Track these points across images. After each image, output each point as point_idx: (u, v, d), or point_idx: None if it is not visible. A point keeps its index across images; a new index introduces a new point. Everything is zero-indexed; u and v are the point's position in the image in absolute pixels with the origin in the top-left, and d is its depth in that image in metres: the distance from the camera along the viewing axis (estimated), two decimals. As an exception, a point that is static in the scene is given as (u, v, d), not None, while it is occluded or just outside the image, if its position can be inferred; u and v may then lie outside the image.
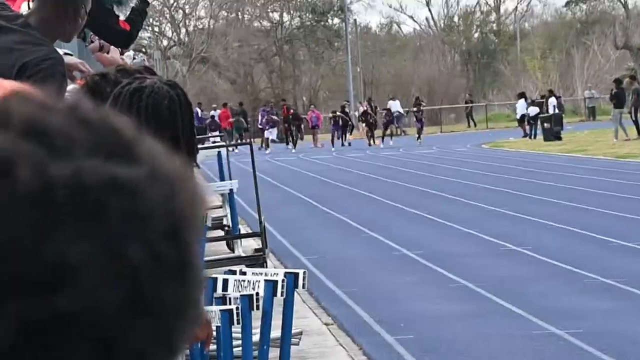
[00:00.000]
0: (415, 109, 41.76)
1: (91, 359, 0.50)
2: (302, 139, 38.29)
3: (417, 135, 38.89)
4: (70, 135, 0.52)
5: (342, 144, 39.61)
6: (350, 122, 40.24)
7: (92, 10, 3.56)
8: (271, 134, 38.53)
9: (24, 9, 3.70)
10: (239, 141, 32.08)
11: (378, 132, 39.48)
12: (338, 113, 39.95)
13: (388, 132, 39.29)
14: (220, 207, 10.61)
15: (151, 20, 56.27)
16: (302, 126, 40.31)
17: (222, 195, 10.28)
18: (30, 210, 0.49)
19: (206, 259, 7.69)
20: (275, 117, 39.66)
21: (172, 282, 0.52)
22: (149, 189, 0.52)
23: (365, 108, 40.20)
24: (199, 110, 38.22)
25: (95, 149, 0.52)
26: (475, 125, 53.37)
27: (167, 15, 62.51)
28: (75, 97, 0.56)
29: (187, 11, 63.27)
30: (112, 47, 5.49)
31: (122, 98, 2.67)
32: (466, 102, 55.70)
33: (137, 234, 0.51)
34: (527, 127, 38.70)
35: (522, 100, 41.01)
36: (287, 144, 40.39)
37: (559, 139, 33.93)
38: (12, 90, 0.53)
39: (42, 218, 0.49)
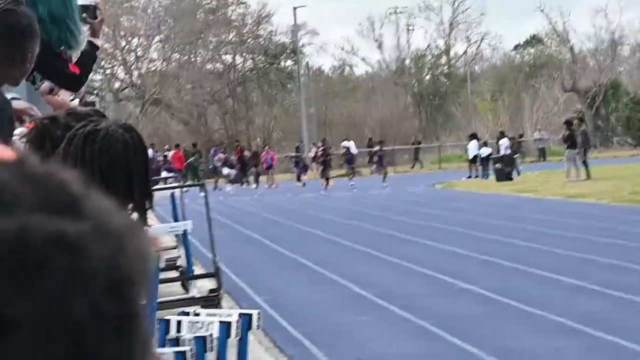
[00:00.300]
0: (377, 148, 41.51)
1: None
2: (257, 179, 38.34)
3: (382, 177, 37.33)
4: (14, 191, 0.52)
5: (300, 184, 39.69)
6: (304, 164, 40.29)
7: (40, 53, 3.52)
8: (229, 174, 38.62)
9: None
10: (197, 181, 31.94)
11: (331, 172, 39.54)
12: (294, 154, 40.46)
13: (348, 171, 39.57)
14: (175, 247, 10.52)
15: (103, 62, 55.87)
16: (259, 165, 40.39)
17: (176, 236, 10.19)
18: None
19: (160, 300, 7.55)
20: (232, 158, 39.82)
21: (114, 337, 0.52)
22: (93, 245, 0.52)
23: (317, 150, 40.29)
24: (151, 151, 37.87)
25: (40, 205, 0.52)
26: (422, 166, 53.67)
27: (119, 58, 62.14)
28: (22, 152, 0.56)
29: (139, 54, 62.95)
30: (62, 89, 5.45)
31: (76, 140, 2.62)
32: (413, 144, 55.95)
33: (80, 291, 0.51)
34: (480, 168, 39.13)
35: (474, 141, 41.51)
36: (242, 184, 40.28)
37: (511, 179, 34.34)
38: None
39: None
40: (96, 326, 0.51)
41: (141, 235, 0.56)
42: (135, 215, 2.67)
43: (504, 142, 38.59)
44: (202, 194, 10.53)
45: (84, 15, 4.56)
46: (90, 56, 5.02)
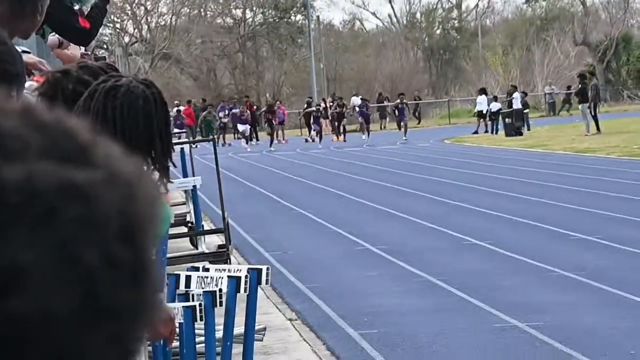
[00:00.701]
0: (398, 101, 40.67)
1: None
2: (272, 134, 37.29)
3: (404, 131, 37.09)
4: (23, 138, 0.51)
5: (306, 140, 39.57)
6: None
7: (51, 7, 3.53)
8: (244, 130, 37.88)
9: None
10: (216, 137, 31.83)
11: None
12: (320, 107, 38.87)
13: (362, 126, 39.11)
14: (184, 203, 10.55)
15: (112, 17, 55.81)
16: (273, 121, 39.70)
17: (186, 191, 10.22)
18: None
19: (169, 255, 7.57)
20: (247, 112, 38.99)
21: (126, 285, 0.52)
22: (104, 193, 0.52)
23: (330, 104, 40.03)
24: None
25: (49, 153, 0.51)
26: (419, 122, 52.80)
27: (129, 12, 62.01)
28: (30, 100, 0.55)
29: (148, 8, 62.89)
30: (71, 43, 5.43)
31: (97, 95, 2.63)
32: (415, 99, 55.39)
33: (91, 239, 0.51)
34: (489, 123, 38.99)
35: (483, 95, 41.34)
36: (251, 139, 40.12)
37: (520, 134, 34.24)
38: None
39: None
40: (108, 274, 0.51)
41: (151, 183, 0.56)
42: (156, 171, 2.70)
43: (517, 96, 38.40)
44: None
45: None
46: (100, 10, 4.99)
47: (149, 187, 0.55)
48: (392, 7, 70.37)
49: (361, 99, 43.72)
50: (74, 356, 0.50)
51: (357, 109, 40.97)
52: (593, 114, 31.16)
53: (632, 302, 7.55)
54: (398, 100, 40.40)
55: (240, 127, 37.44)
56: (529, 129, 36.12)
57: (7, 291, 0.49)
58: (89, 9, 4.97)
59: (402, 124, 38.27)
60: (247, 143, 36.36)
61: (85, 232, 0.51)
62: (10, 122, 0.52)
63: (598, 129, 30.64)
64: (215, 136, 35.00)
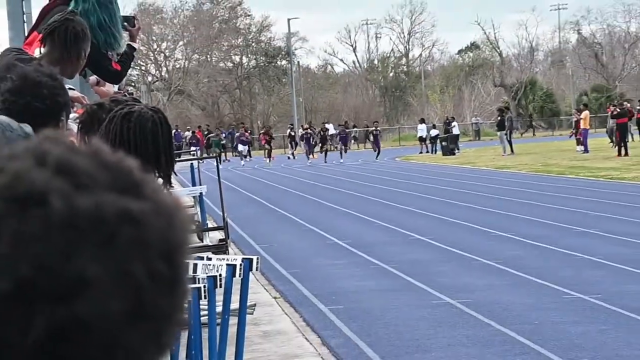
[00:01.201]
0: (373, 128, 38.97)
1: (99, 355, 0.50)
2: (270, 154, 35.93)
3: (377, 153, 35.27)
4: (93, 174, 0.51)
5: (288, 157, 39.19)
6: (295, 141, 39.62)
7: (91, 53, 3.52)
8: (243, 150, 36.94)
9: (37, 53, 3.64)
10: (220, 154, 31.18)
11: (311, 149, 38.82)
12: (307, 131, 36.45)
13: (325, 148, 38.29)
14: (192, 206, 10.50)
15: (138, 61, 55.67)
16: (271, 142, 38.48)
17: (194, 197, 10.19)
18: (59, 233, 0.49)
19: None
20: (247, 136, 37.90)
21: (165, 294, 0.52)
22: (152, 220, 0.52)
23: (306, 130, 39.48)
24: (174, 131, 37.57)
25: (112, 186, 0.51)
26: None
27: (152, 57, 61.81)
28: (96, 142, 0.55)
29: (167, 54, 62.79)
30: (107, 82, 5.41)
31: (116, 120, 2.64)
32: (372, 126, 54.52)
33: (141, 257, 0.51)
34: (429, 145, 39.08)
35: (423, 124, 41.53)
36: (245, 157, 39.34)
37: (454, 154, 34.39)
38: (46, 134, 0.53)
39: (69, 240, 0.49)
40: (152, 285, 0.51)
41: (185, 213, 0.55)
42: (160, 179, 2.69)
43: (455, 124, 38.52)
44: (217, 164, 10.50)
45: (125, 24, 4.52)
46: (129, 56, 4.98)
47: (185, 216, 0.55)
48: (355, 55, 70.56)
49: (339, 125, 42.79)
50: (122, 349, 0.50)
51: (338, 135, 39.87)
52: (508, 139, 31.35)
53: (536, 283, 7.61)
54: (373, 128, 39.14)
55: (240, 147, 36.71)
56: (459, 150, 36.30)
57: (76, 296, 0.49)
58: (120, 55, 4.97)
59: (376, 147, 36.66)
60: (242, 160, 35.73)
61: (137, 252, 0.51)
62: (84, 160, 0.52)
63: (512, 150, 30.83)
64: (220, 151, 34.45)
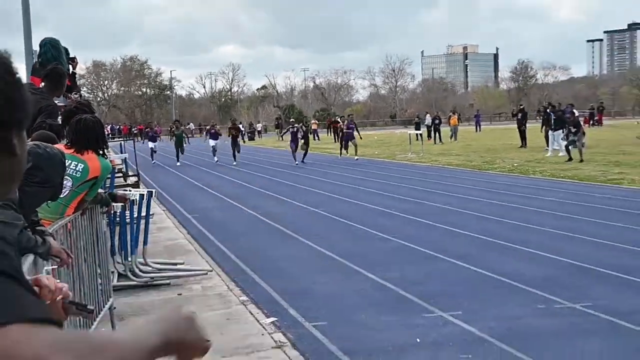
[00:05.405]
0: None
1: None
2: (238, 151, 31.63)
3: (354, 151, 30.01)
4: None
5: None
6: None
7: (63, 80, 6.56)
8: (215, 145, 34.52)
9: (41, 85, 6.45)
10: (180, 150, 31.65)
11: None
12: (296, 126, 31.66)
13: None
14: (121, 164, 17.53)
15: (94, 90, 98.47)
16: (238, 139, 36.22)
17: (122, 160, 17.97)
18: None
19: (117, 184, 12.92)
20: (217, 129, 35.56)
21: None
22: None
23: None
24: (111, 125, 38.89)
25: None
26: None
27: (100, 88, 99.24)
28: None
29: (107, 86, 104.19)
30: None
31: (77, 119, 5.35)
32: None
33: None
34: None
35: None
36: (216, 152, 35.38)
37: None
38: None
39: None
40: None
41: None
42: (95, 154, 5.28)
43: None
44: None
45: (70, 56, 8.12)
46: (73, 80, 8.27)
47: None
48: (204, 89, 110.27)
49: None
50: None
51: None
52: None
53: (414, 249, 8.12)
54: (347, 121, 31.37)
55: (212, 142, 34.57)
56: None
57: None
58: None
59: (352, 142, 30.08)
60: (214, 156, 33.67)
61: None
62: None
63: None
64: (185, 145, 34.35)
